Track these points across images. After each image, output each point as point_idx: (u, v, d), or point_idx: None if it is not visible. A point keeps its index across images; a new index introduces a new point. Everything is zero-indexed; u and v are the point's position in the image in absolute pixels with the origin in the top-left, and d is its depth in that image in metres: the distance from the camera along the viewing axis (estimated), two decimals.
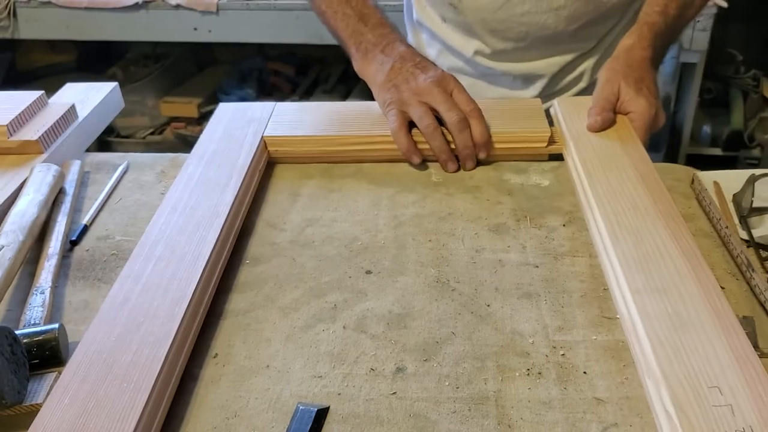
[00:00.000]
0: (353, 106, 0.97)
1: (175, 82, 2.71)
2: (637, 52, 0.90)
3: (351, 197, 0.83)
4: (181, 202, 0.75)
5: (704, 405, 0.51)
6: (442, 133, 0.85)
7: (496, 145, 0.87)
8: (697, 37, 2.02)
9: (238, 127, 0.90)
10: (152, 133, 2.65)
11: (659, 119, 0.88)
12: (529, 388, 0.58)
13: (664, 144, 2.25)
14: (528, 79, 1.11)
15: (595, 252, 0.72)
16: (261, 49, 2.74)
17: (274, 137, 0.89)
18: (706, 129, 2.39)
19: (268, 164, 0.90)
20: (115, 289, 0.63)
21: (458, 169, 0.87)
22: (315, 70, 2.72)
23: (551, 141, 0.88)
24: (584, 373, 0.59)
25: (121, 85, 1.09)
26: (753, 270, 0.67)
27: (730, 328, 0.57)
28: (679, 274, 0.63)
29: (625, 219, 0.70)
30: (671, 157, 2.29)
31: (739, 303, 0.66)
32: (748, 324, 0.63)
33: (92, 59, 2.67)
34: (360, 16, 0.95)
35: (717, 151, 2.38)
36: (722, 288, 0.67)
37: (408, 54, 0.91)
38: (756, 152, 2.34)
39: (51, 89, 0.99)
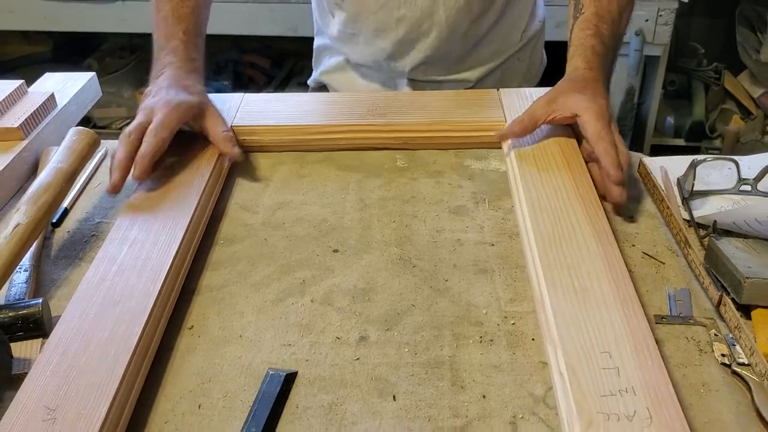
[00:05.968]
0: (319, 97, 1.01)
1: None
2: (586, 73, 0.85)
3: (320, 182, 0.88)
4: (153, 191, 0.79)
5: (593, 367, 0.56)
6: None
7: (456, 134, 0.92)
8: (660, 30, 2.09)
9: None
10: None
11: (621, 149, 0.79)
12: (481, 354, 0.63)
13: (629, 134, 2.32)
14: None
15: None
16: (237, 41, 2.76)
17: (242, 127, 0.93)
18: (670, 120, 2.46)
19: None
20: (91, 271, 0.67)
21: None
22: (290, 63, 2.76)
23: None
24: (532, 339, 0.64)
25: (98, 76, 1.12)
26: (690, 247, 0.73)
27: (628, 300, 0.62)
28: (589, 252, 0.68)
29: (546, 202, 0.75)
30: (636, 147, 2.36)
31: (677, 276, 0.71)
32: (684, 295, 0.69)
33: (68, 50, 2.68)
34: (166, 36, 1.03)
35: (680, 142, 2.45)
36: (662, 263, 0.73)
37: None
38: (717, 143, 2.42)
39: (26, 80, 1.02)
